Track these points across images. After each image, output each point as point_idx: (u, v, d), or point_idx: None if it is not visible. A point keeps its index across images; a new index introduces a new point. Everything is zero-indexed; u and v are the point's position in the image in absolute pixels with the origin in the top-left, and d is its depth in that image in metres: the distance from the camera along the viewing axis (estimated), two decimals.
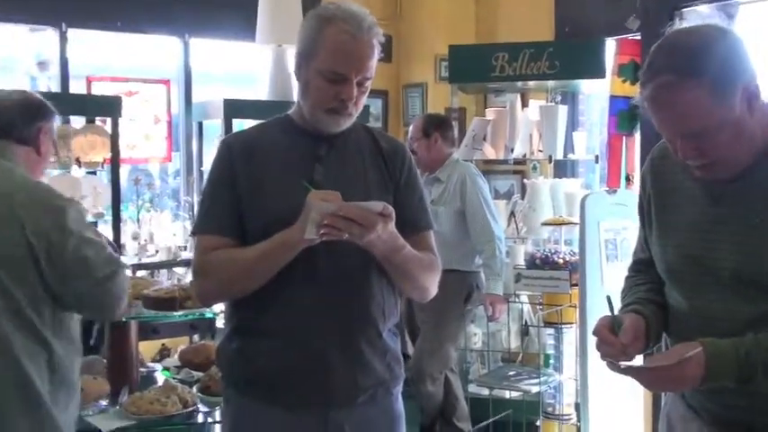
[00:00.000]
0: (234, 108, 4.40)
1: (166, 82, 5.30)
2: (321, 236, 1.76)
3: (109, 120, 4.24)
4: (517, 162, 5.24)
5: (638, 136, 4.48)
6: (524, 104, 5.18)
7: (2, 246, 1.96)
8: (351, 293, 1.92)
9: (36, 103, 2.21)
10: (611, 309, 1.72)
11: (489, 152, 5.05)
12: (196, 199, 4.54)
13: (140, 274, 4.16)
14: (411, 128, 4.58)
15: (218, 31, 5.48)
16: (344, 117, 1.93)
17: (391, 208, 1.80)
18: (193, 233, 2.01)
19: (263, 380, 1.93)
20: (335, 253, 1.85)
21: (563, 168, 5.20)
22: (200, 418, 2.65)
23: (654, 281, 1.85)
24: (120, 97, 4.35)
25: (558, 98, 4.96)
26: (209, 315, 3.06)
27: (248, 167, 1.94)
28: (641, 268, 1.93)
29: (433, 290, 2.05)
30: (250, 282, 1.88)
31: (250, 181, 1.93)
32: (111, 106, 4.17)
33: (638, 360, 1.69)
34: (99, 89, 4.93)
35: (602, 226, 3.77)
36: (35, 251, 1.97)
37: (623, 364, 1.65)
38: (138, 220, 4.64)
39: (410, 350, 4.65)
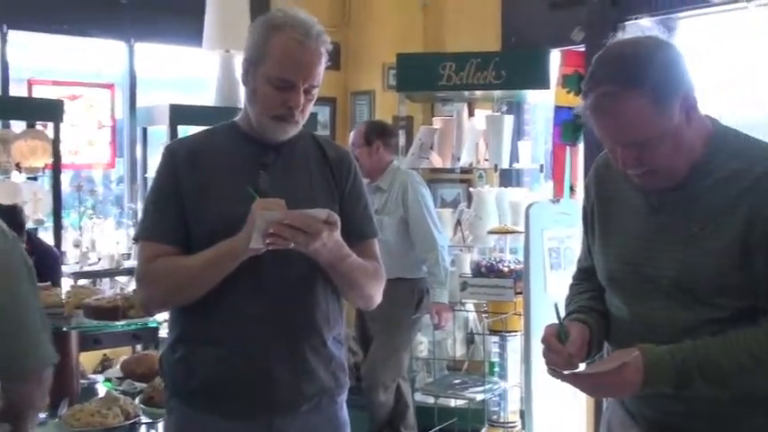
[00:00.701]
0: (180, 114, 4.40)
1: (110, 86, 5.24)
2: (267, 245, 1.75)
3: (50, 124, 4.18)
4: (464, 171, 5.27)
5: (581, 146, 4.53)
6: (471, 114, 5.22)
7: None
8: (296, 302, 1.92)
9: None
10: (559, 317, 1.74)
11: (436, 161, 5.07)
12: (140, 206, 4.54)
13: (82, 282, 4.07)
14: (352, 135, 4.55)
15: (165, 36, 5.42)
16: (291, 124, 1.93)
17: (336, 216, 1.81)
18: (136, 239, 2.02)
19: (208, 389, 1.91)
20: (280, 261, 1.85)
21: (508, 177, 5.24)
22: (142, 430, 2.61)
23: (596, 289, 1.87)
24: (63, 101, 4.30)
25: (504, 108, 4.99)
26: (152, 324, 3.01)
27: (193, 174, 1.93)
28: (584, 276, 1.95)
29: (378, 298, 2.06)
30: (195, 290, 1.87)
31: (195, 187, 1.92)
32: (52, 110, 4.13)
33: (581, 368, 1.72)
34: (41, 92, 4.83)
35: (547, 234, 3.80)
36: None
37: (566, 372, 1.67)
38: (80, 227, 4.56)
39: (358, 359, 4.61)
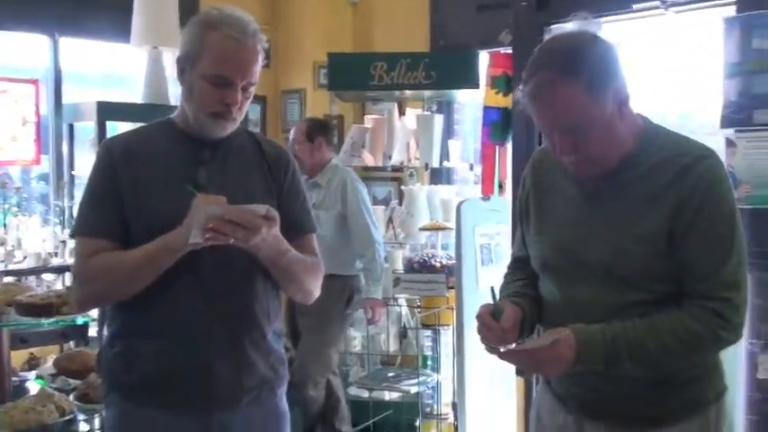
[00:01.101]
0: (107, 110, 4.26)
1: (35, 82, 5.07)
2: (206, 240, 1.77)
3: None
4: (395, 169, 5.30)
5: (509, 145, 4.56)
6: (402, 113, 5.23)
7: None
8: (236, 296, 1.94)
9: None
10: (494, 296, 1.81)
11: (368, 159, 5.09)
12: (67, 203, 4.44)
13: (7, 280, 3.91)
14: (293, 131, 4.54)
15: (91, 31, 5.26)
16: (229, 121, 1.94)
17: (275, 211, 1.83)
18: (72, 235, 1.99)
19: (147, 383, 1.92)
20: (220, 256, 1.86)
21: (439, 175, 5.25)
22: (80, 427, 2.58)
23: (529, 276, 1.95)
24: None
25: (435, 107, 5.05)
26: (81, 321, 2.98)
27: (130, 170, 1.93)
28: (518, 266, 2.02)
29: (317, 292, 2.08)
30: (133, 285, 1.87)
31: (132, 183, 1.92)
32: None
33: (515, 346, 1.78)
34: None
35: (478, 231, 3.83)
36: None
37: (501, 348, 1.74)
38: (5, 225, 4.39)
39: (292, 354, 4.56)
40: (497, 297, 1.83)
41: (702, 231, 1.68)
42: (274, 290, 2.03)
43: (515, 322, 1.78)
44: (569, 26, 3.85)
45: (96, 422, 2.63)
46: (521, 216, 1.99)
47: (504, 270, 2.08)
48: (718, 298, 1.68)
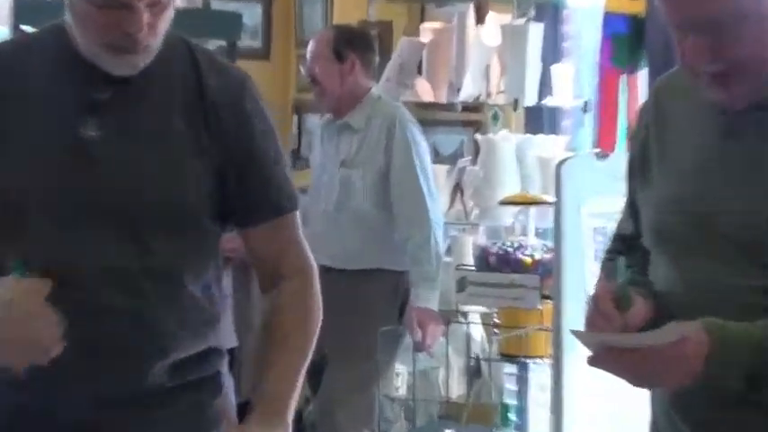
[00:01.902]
0: (25, 10, 3.85)
1: None
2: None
3: None
4: (468, 108, 4.52)
5: (642, 73, 3.77)
6: (480, 21, 4.44)
7: None
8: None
9: None
10: (621, 274, 1.64)
11: (424, 91, 4.44)
12: None
13: None
14: (312, 46, 3.81)
15: None
16: (136, 55, 1.63)
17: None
18: None
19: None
20: None
21: (537, 119, 4.45)
22: None
23: (639, 262, 1.72)
24: None
25: (532, 13, 4.26)
26: None
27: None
28: (622, 247, 1.79)
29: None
30: None
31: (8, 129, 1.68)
32: None
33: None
34: None
35: (588, 207, 3.20)
36: None
37: (604, 338, 1.50)
38: None
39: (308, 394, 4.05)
40: (627, 279, 1.62)
41: None
42: None
43: (643, 322, 1.51)
44: None
45: None
46: (632, 172, 1.72)
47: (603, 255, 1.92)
48: None
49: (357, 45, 3.73)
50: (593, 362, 1.51)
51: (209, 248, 1.72)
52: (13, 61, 1.70)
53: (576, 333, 1.55)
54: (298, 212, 1.80)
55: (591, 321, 1.56)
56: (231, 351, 2.13)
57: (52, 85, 1.68)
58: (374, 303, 3.64)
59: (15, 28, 3.74)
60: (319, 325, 1.78)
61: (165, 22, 1.64)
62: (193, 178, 1.66)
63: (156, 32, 1.64)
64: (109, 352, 1.61)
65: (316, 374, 3.71)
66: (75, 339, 1.57)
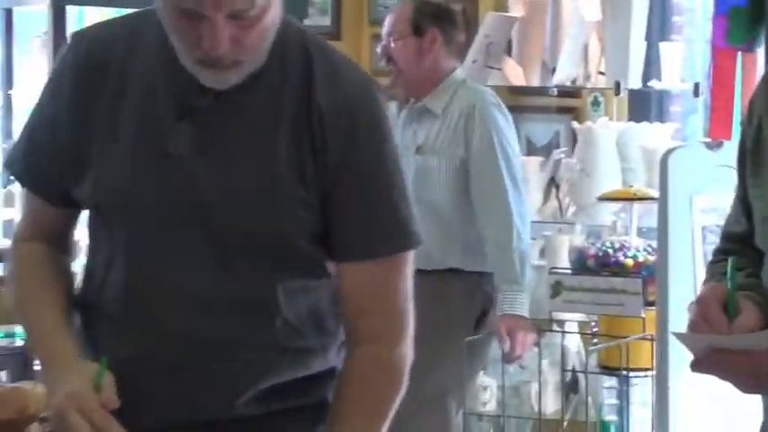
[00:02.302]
0: None
1: None
2: None
3: None
4: (564, 93, 4.28)
5: (761, 52, 3.51)
6: None
7: None
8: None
9: None
10: (732, 276, 1.46)
11: (514, 74, 4.24)
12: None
13: None
14: (389, 20, 3.66)
15: None
16: (227, 71, 1.52)
17: None
18: (12, 175, 1.93)
19: None
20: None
21: (642, 105, 4.26)
22: None
23: (752, 262, 1.59)
24: None
25: None
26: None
27: (105, 90, 1.58)
28: (732, 247, 1.64)
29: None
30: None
31: (101, 114, 1.59)
32: None
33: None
34: None
35: (699, 203, 3.17)
36: None
37: (711, 339, 1.44)
38: None
39: None
40: (734, 282, 1.47)
41: None
42: None
43: (753, 330, 1.43)
44: None
45: None
46: (743, 166, 1.58)
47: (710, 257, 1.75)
48: None
49: (440, 19, 3.54)
50: (696, 366, 1.47)
51: (310, 273, 1.62)
52: (125, 50, 1.64)
53: (678, 335, 1.52)
54: (408, 259, 1.65)
55: (694, 328, 1.49)
56: None
57: (159, 82, 1.63)
58: (450, 308, 3.48)
59: (56, 6, 3.66)
60: (397, 398, 1.64)
61: (259, 37, 1.53)
62: (291, 207, 1.56)
63: (246, 48, 1.53)
64: (193, 379, 1.57)
65: None
66: (157, 364, 1.55)
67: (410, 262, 1.67)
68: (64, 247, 1.67)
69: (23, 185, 1.72)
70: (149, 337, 1.55)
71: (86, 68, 1.61)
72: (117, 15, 1.98)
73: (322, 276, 1.62)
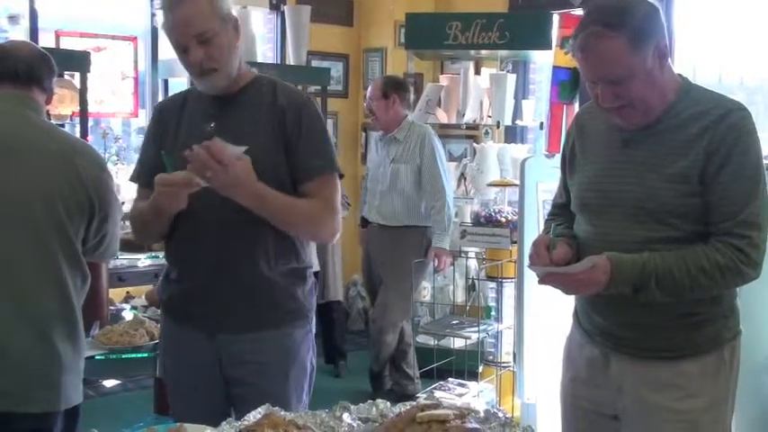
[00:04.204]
0: None
1: (133, 39, 5.32)
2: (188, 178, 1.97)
3: (77, 74, 4.26)
4: (471, 127, 5.33)
5: (576, 105, 4.55)
6: (477, 72, 5.29)
7: (63, 186, 2.13)
8: (237, 234, 2.10)
9: (48, 54, 2.30)
10: (552, 230, 1.98)
11: (442, 116, 5.16)
12: None
13: None
14: (369, 89, 4.65)
15: None
16: (210, 76, 2.05)
17: (232, 155, 1.92)
18: (131, 180, 2.29)
19: (171, 302, 2.21)
20: (225, 200, 2.03)
21: (513, 134, 5.34)
22: None
23: (568, 221, 2.08)
24: (89, 52, 4.39)
25: (509, 67, 5.16)
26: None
27: (167, 125, 2.17)
28: (558, 212, 2.16)
29: (323, 235, 2.21)
30: (153, 229, 2.14)
31: (166, 137, 2.16)
32: (79, 61, 4.21)
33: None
34: (68, 44, 4.90)
35: (541, 187, 3.82)
36: (90, 194, 2.16)
37: (547, 269, 1.89)
38: None
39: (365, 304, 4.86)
40: (555, 233, 1.97)
41: (731, 174, 1.81)
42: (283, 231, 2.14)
43: (563, 261, 1.93)
44: None
45: None
46: (564, 165, 2.11)
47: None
48: (741, 235, 1.81)
49: (398, 89, 4.55)
50: (541, 282, 1.90)
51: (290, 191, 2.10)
52: (179, 101, 2.22)
53: (530, 267, 1.91)
54: (335, 176, 2.15)
55: (531, 258, 1.93)
56: (315, 273, 2.42)
57: (194, 108, 2.18)
58: (409, 245, 4.48)
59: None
60: (321, 221, 2.13)
61: (221, 49, 2.02)
62: (271, 151, 2.07)
63: (215, 58, 2.03)
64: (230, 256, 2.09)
65: (372, 290, 4.84)
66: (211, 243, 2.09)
67: (336, 180, 2.16)
68: None
69: (137, 184, 2.25)
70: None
71: (161, 119, 2.20)
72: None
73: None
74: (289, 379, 2.15)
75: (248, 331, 2.12)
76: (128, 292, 4.21)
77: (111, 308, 3.32)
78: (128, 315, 3.24)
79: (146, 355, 2.86)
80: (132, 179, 2.24)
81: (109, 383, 4.57)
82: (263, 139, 2.08)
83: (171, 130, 2.15)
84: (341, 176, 2.20)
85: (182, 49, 2.01)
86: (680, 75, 1.96)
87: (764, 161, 1.89)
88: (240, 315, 2.11)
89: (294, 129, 2.10)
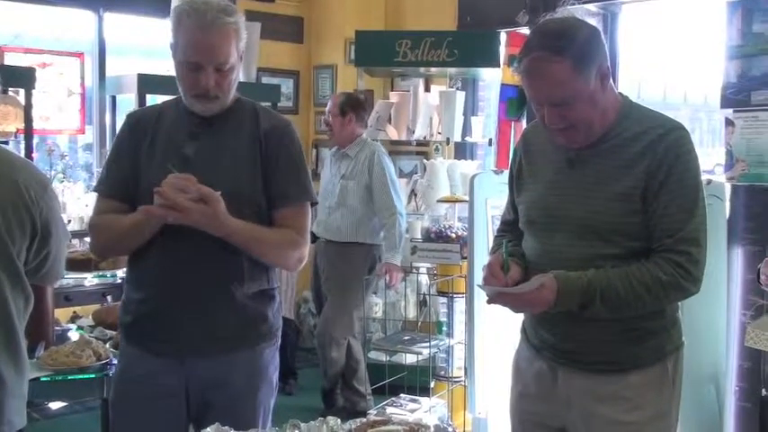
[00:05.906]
0: (147, 83, 4.50)
1: (80, 55, 5.29)
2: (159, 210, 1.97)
3: (22, 91, 4.21)
4: (422, 143, 5.39)
5: (524, 122, 4.57)
6: (427, 89, 5.35)
7: (5, 205, 2.04)
8: (205, 258, 2.09)
9: None
10: (506, 251, 1.97)
11: (392, 133, 5.20)
12: None
13: None
14: (329, 103, 4.71)
15: (133, 7, 5.50)
16: (211, 101, 2.07)
17: (208, 195, 1.94)
18: (94, 190, 2.24)
19: (134, 325, 2.15)
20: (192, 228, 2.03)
21: (463, 151, 5.38)
22: (112, 370, 2.77)
23: (517, 237, 2.12)
24: (34, 69, 4.35)
25: (459, 84, 5.22)
26: (119, 279, 3.15)
27: (143, 139, 2.13)
28: (507, 228, 2.20)
29: (290, 264, 2.20)
30: (126, 244, 2.11)
31: (141, 151, 2.13)
32: (24, 77, 4.16)
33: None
34: (12, 60, 4.87)
35: (490, 203, 3.80)
36: (32, 213, 2.07)
37: (497, 289, 1.91)
38: None
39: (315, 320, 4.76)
40: (508, 253, 1.98)
41: (671, 192, 1.86)
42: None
43: (516, 282, 1.95)
44: (588, 7, 4.16)
45: None
46: (511, 183, 2.15)
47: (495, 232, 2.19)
48: (681, 252, 1.86)
49: (354, 107, 4.60)
50: (490, 302, 1.92)
51: (266, 222, 2.12)
52: (154, 115, 2.19)
53: (480, 286, 1.92)
54: (308, 205, 2.17)
55: (486, 281, 1.93)
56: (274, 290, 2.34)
57: (174, 124, 2.15)
58: (354, 262, 4.46)
59: (141, 95, 4.36)
60: (291, 251, 2.13)
61: (230, 81, 2.04)
62: (250, 175, 2.08)
63: (223, 88, 2.05)
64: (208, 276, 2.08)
65: (320, 306, 4.77)
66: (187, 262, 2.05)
67: (309, 208, 2.16)
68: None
69: (101, 195, 2.19)
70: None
71: (135, 130, 2.14)
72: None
73: (264, 221, 2.09)
74: (257, 398, 2.16)
75: (221, 353, 2.11)
76: (74, 312, 4.15)
77: (57, 328, 3.23)
78: (74, 335, 3.18)
79: (93, 375, 2.80)
80: (98, 190, 2.19)
81: (55, 406, 4.51)
82: (243, 162, 2.09)
83: (145, 143, 2.13)
84: (314, 204, 2.23)
85: (194, 68, 2.01)
86: (620, 93, 2.00)
87: (702, 177, 1.96)
88: (213, 338, 2.10)
89: (273, 154, 2.12)
